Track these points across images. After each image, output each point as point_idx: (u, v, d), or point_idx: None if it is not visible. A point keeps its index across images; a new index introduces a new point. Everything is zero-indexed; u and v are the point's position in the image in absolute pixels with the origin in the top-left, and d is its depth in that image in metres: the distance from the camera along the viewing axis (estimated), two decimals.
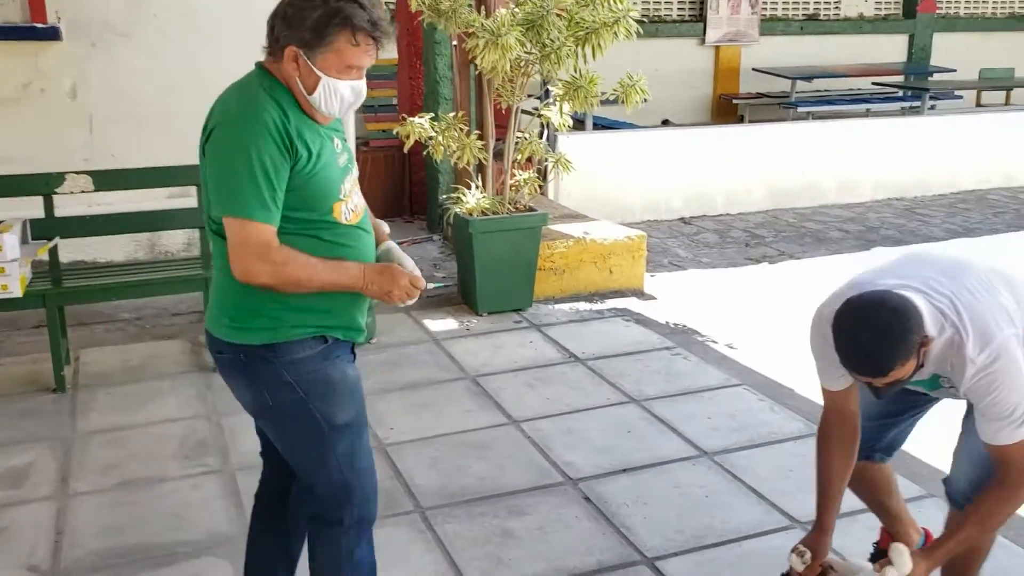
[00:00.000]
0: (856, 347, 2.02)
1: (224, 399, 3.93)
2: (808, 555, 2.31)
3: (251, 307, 2.03)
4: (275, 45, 2.01)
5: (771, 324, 5.02)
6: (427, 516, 3.09)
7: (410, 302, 2.10)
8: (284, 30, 1.98)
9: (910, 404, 2.46)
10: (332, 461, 2.11)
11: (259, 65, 2.07)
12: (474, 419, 3.83)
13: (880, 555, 2.67)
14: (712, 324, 5.01)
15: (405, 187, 7.13)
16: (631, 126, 8.20)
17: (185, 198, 4.81)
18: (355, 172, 2.17)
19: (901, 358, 1.99)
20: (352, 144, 2.05)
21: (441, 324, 4.95)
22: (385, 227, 2.41)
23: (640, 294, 5.54)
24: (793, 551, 2.33)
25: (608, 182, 7.08)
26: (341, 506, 2.14)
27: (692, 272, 6.09)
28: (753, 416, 3.85)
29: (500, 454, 3.50)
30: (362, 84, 2.07)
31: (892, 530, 2.63)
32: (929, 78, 10.73)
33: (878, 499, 2.62)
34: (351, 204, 2.08)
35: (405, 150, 5.29)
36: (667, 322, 5.05)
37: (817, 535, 2.34)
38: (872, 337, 1.98)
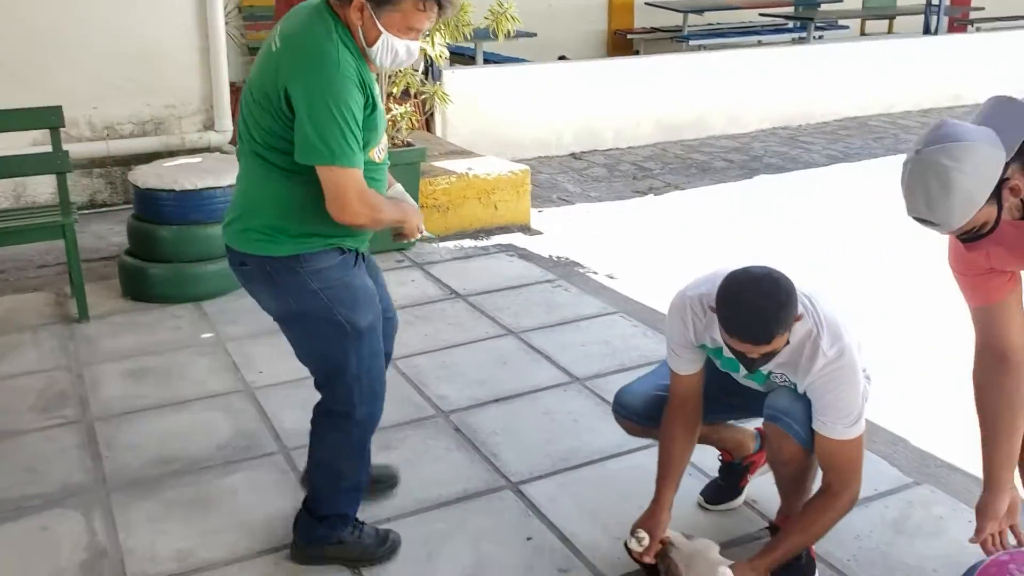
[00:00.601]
0: (745, 311, 2.06)
1: (87, 349, 3.80)
2: (645, 537, 2.28)
3: (280, 225, 2.18)
4: None
5: (652, 254, 5.07)
6: (291, 456, 3.04)
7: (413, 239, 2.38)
8: None
9: (737, 404, 2.52)
10: (353, 361, 2.30)
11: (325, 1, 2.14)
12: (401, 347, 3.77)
13: (728, 471, 2.74)
14: (595, 256, 5.03)
15: None
16: (528, 63, 8.11)
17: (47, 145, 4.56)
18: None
19: (782, 326, 2.06)
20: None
21: None
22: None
23: (526, 229, 5.52)
24: (631, 534, 2.30)
25: (498, 118, 7.00)
26: (355, 403, 2.35)
27: (580, 206, 6.10)
28: (626, 342, 3.89)
29: None
30: (416, 45, 2.21)
31: (729, 447, 2.70)
32: (817, 8, 10.88)
33: (709, 443, 2.70)
34: (382, 144, 2.26)
35: None
36: (551, 256, 5.05)
37: (654, 512, 2.34)
38: (761, 302, 2.05)
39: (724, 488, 2.75)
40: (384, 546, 2.50)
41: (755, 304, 2.06)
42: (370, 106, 2.14)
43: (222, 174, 4.40)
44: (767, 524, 2.57)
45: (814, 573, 2.39)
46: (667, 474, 2.37)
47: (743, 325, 2.07)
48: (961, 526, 2.65)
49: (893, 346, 3.90)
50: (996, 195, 1.86)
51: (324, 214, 2.13)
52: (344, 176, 2.07)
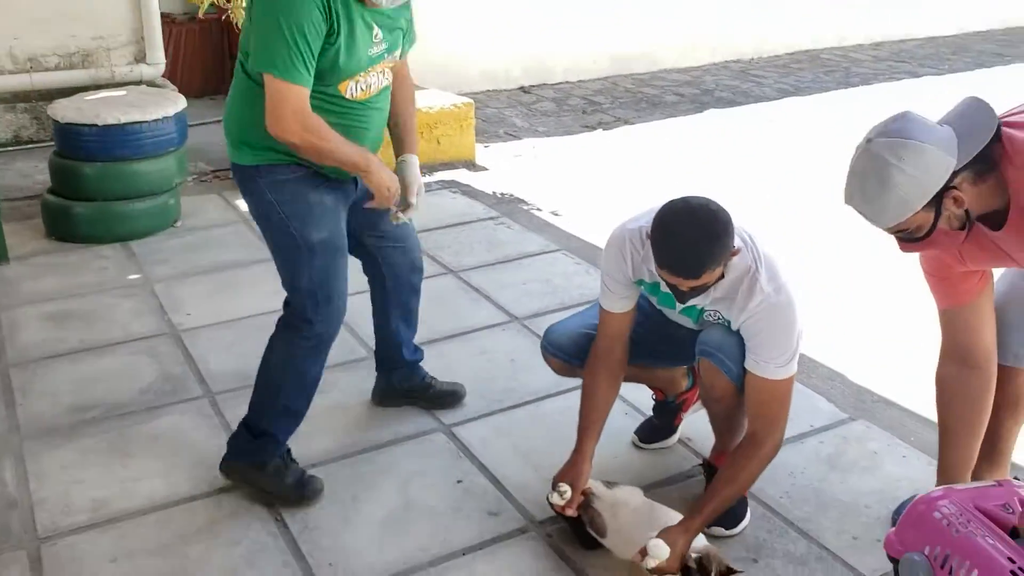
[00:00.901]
0: (677, 243, 1.99)
1: (6, 292, 3.64)
2: (567, 490, 2.18)
3: (246, 135, 2.25)
4: None
5: (598, 190, 4.97)
6: (216, 401, 2.93)
7: (390, 207, 2.34)
8: None
9: (673, 346, 2.44)
10: (305, 275, 2.33)
11: None
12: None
13: (662, 410, 2.69)
14: (540, 193, 4.92)
15: (225, 62, 6.68)
16: None
17: None
18: (391, 58, 2.29)
19: (715, 260, 1.99)
20: None
21: None
22: (413, 140, 2.54)
23: (471, 165, 5.39)
24: (553, 488, 2.21)
25: (444, 50, 6.78)
26: (307, 319, 2.37)
27: (527, 142, 5.97)
28: (568, 280, 3.81)
29: None
30: None
31: (661, 386, 2.65)
32: None
33: (641, 382, 2.66)
34: (363, 83, 2.23)
35: (201, 14, 4.89)
36: (495, 192, 4.94)
37: (576, 463, 2.25)
38: (695, 234, 1.98)
39: (658, 427, 2.70)
40: (301, 492, 2.44)
41: (688, 236, 1.98)
42: (336, 35, 2.10)
43: (148, 108, 4.20)
44: (701, 461, 2.53)
45: (745, 512, 2.36)
46: (589, 423, 2.30)
47: (675, 257, 1.99)
48: (895, 461, 2.63)
49: (837, 280, 3.87)
50: (937, 202, 1.80)
51: None
52: (283, 89, 2.07)
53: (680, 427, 2.72)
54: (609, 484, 2.27)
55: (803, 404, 2.89)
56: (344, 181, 2.37)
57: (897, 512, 2.36)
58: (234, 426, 2.76)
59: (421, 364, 2.91)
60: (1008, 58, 8.42)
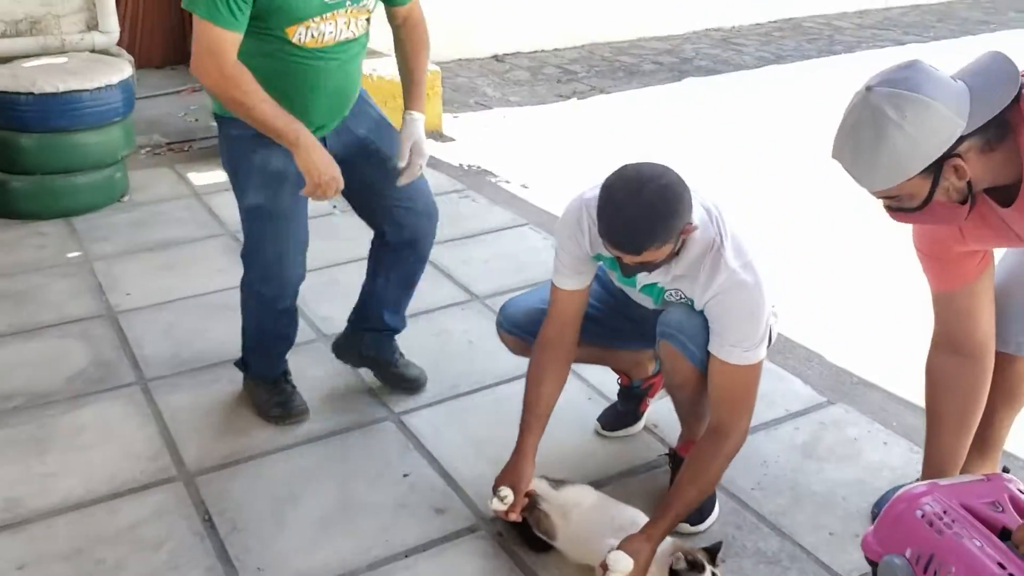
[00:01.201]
0: (620, 216, 1.80)
1: None
2: (509, 495, 1.98)
3: None
4: None
5: (570, 162, 4.75)
6: (149, 388, 2.72)
7: (321, 196, 2.17)
8: None
9: (634, 328, 2.24)
10: (244, 233, 2.38)
11: None
12: (224, 278, 3.42)
13: (627, 395, 2.51)
14: (509, 165, 4.70)
15: (187, 32, 6.40)
16: None
17: None
18: (360, 5, 2.16)
19: (659, 239, 1.80)
20: None
21: (208, 176, 4.45)
22: (419, 95, 2.45)
23: (437, 136, 5.15)
24: (494, 493, 2.00)
25: None
26: (249, 276, 2.45)
27: (497, 111, 5.74)
28: (534, 256, 3.61)
29: None
30: None
31: (626, 369, 2.46)
32: None
33: (604, 364, 2.49)
34: (316, 30, 2.10)
35: None
36: (461, 164, 4.72)
37: (517, 464, 2.04)
38: (638, 210, 1.78)
39: (623, 413, 2.52)
40: (270, 412, 2.55)
41: (631, 211, 1.78)
42: None
43: (89, 75, 3.95)
44: (667, 451, 2.35)
45: (713, 506, 2.18)
46: (532, 418, 2.09)
47: (615, 231, 1.81)
48: (875, 448, 2.46)
49: (819, 253, 3.68)
50: (936, 169, 1.56)
51: None
52: (204, 29, 1.99)
53: (646, 413, 2.53)
54: (557, 483, 2.07)
55: (778, 387, 2.72)
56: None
57: (877, 506, 2.18)
58: (166, 417, 2.59)
59: (395, 338, 2.71)
60: (994, 25, 8.22)
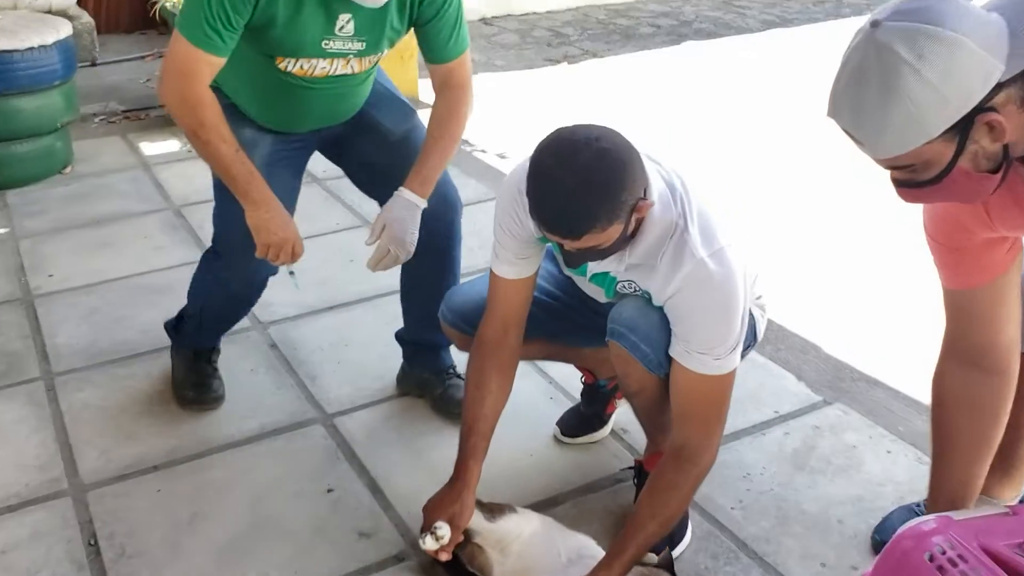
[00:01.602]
0: (552, 192, 1.45)
1: None
2: (446, 534, 1.64)
3: None
4: None
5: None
6: (54, 384, 2.40)
7: (274, 260, 1.96)
8: None
9: (595, 318, 1.85)
10: (216, 211, 2.10)
11: None
12: (162, 257, 3.12)
13: (591, 396, 2.18)
14: (487, 133, 4.35)
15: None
16: None
17: None
18: (368, 58, 1.93)
19: (604, 217, 1.44)
20: None
21: (161, 146, 4.13)
22: (420, 174, 2.01)
23: (413, 103, 4.77)
24: (430, 532, 1.64)
25: None
26: (216, 250, 2.14)
27: (481, 76, 5.36)
28: None
29: (180, 297, 2.81)
30: None
31: (591, 366, 2.12)
32: None
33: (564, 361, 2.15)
34: (307, 64, 1.88)
35: None
36: None
37: (457, 492, 1.69)
38: (574, 183, 1.42)
39: (586, 417, 2.18)
40: (183, 393, 2.30)
41: (566, 185, 1.43)
42: (264, 11, 1.74)
43: (22, 34, 3.60)
44: (633, 464, 2.02)
45: (685, 531, 1.85)
46: (475, 439, 1.73)
47: (548, 210, 1.46)
48: (878, 457, 2.12)
49: (817, 231, 3.34)
50: (963, 128, 1.18)
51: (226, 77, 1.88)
52: (181, 46, 1.76)
53: (614, 416, 2.21)
54: (493, 511, 1.73)
55: (766, 383, 2.39)
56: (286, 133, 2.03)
57: (880, 532, 1.85)
58: (67, 418, 2.28)
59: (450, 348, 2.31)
60: None
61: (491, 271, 1.77)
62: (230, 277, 2.13)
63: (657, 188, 1.54)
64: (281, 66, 1.88)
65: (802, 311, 2.69)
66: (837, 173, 3.77)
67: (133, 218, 3.42)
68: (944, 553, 1.36)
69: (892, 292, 2.88)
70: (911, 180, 1.29)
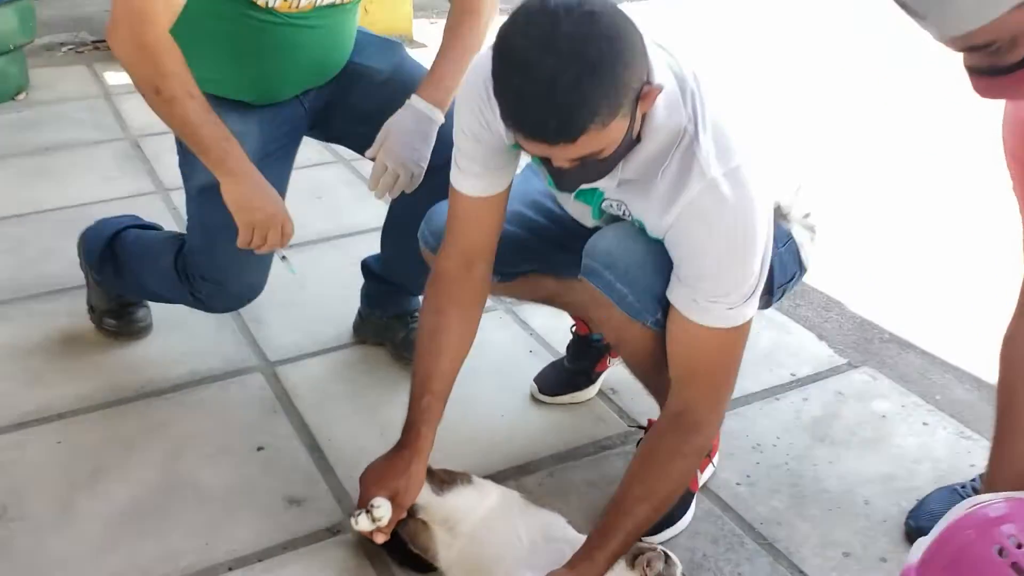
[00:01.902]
0: (531, 81, 1.07)
1: None
2: (385, 513, 1.32)
3: None
4: None
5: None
6: None
7: (260, 244, 1.61)
8: None
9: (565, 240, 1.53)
10: (192, 222, 1.78)
11: None
12: (109, 188, 2.81)
13: (580, 349, 1.86)
14: None
15: None
16: None
17: None
18: None
19: (604, 108, 1.08)
20: None
21: (127, 76, 3.79)
22: (433, 81, 1.64)
23: (408, 42, 4.47)
24: (366, 511, 1.32)
25: None
26: (193, 265, 1.76)
27: None
28: None
29: None
30: None
31: (585, 316, 1.79)
32: None
33: (553, 302, 1.77)
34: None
35: None
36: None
37: (408, 462, 1.36)
38: (559, 60, 1.05)
39: (572, 373, 1.86)
40: (102, 322, 2.03)
41: (547, 65, 1.05)
42: None
43: None
44: (638, 425, 1.69)
45: (686, 508, 1.54)
46: (429, 398, 1.40)
47: (527, 108, 1.09)
48: (912, 430, 1.80)
49: (850, 167, 2.98)
50: None
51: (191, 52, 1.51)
52: None
53: (604, 376, 1.88)
54: (442, 483, 1.40)
55: (783, 343, 2.07)
56: (275, 105, 1.72)
57: (915, 517, 1.53)
58: None
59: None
60: None
61: (451, 187, 1.44)
62: (215, 303, 1.80)
63: (663, 79, 1.20)
64: (261, 1, 1.58)
65: (824, 264, 2.35)
66: (864, 112, 3.43)
67: (84, 147, 3.11)
68: (1020, 547, 1.05)
69: (928, 243, 2.55)
70: (992, 66, 0.93)
